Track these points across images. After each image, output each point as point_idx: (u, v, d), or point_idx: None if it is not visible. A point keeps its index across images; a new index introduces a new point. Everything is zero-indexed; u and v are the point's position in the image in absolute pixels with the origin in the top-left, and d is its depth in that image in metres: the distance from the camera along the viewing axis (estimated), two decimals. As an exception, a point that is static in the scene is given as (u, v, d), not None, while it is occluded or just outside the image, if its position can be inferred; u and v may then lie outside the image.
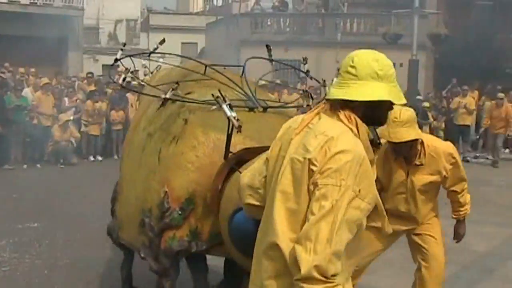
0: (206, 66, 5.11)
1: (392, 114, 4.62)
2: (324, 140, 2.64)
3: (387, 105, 2.80)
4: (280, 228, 2.67)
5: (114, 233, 5.11)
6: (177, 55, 5.99)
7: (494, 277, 7.07)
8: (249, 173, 3.10)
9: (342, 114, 2.73)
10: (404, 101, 2.78)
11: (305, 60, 5.57)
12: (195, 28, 37.13)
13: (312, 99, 5.17)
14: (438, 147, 4.89)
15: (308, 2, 29.61)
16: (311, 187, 2.62)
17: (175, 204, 4.15)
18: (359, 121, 2.74)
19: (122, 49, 5.21)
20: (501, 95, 16.88)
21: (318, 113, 2.81)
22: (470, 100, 17.91)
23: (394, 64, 2.84)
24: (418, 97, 18.68)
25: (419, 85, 21.30)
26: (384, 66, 2.76)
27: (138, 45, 38.54)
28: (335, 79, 2.96)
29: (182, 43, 36.69)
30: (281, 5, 29.91)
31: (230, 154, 4.01)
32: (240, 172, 3.48)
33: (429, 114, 17.17)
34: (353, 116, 2.73)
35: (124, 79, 5.14)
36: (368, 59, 2.76)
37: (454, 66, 21.47)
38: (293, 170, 2.70)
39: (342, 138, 2.64)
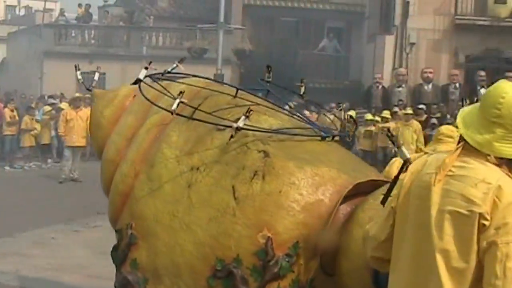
0: (237, 90, 4.57)
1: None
2: (488, 188, 2.39)
3: None
4: None
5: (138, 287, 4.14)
6: (209, 79, 4.95)
7: None
8: (377, 225, 2.78)
9: (492, 157, 2.50)
10: None
11: (301, 82, 5.15)
12: (-4, 38, 35.07)
13: (357, 125, 4.72)
14: None
15: (113, 14, 29.05)
16: (484, 244, 2.37)
17: (279, 251, 3.61)
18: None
19: (146, 68, 4.36)
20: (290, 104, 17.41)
21: (459, 155, 2.52)
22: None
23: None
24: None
25: (225, 100, 21.38)
26: None
27: None
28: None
29: (-18, 53, 34.67)
30: (85, 16, 29.15)
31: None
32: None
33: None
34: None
35: (178, 104, 3.99)
36: None
37: (259, 81, 21.73)
38: (455, 226, 2.42)
39: (509, 186, 2.41)
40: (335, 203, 3.63)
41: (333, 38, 26.23)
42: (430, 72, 20.41)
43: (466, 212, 2.40)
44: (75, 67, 5.23)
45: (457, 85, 19.92)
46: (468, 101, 14.37)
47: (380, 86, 20.51)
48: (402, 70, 21.10)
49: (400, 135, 15.11)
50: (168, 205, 4.02)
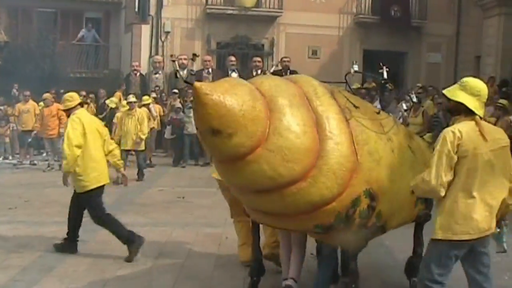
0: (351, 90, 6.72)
1: None
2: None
3: None
4: None
5: (378, 233, 6.04)
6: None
7: (53, 275, 7.26)
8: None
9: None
10: None
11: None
12: None
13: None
14: None
15: None
16: None
17: None
18: None
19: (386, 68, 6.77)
20: (47, 94, 17.32)
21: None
22: (33, 105, 18.25)
23: None
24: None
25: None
26: None
27: None
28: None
29: None
30: None
31: None
32: None
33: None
34: None
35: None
36: None
37: (17, 72, 21.52)
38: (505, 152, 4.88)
39: None
40: None
41: (92, 28, 26.37)
42: (185, 59, 21.53)
43: (504, 144, 4.90)
44: (171, 55, 5.25)
45: (210, 70, 21.19)
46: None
47: (138, 74, 21.27)
48: (158, 58, 22.01)
49: (123, 124, 14.99)
50: (391, 169, 5.74)
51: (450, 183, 4.79)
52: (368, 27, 24.17)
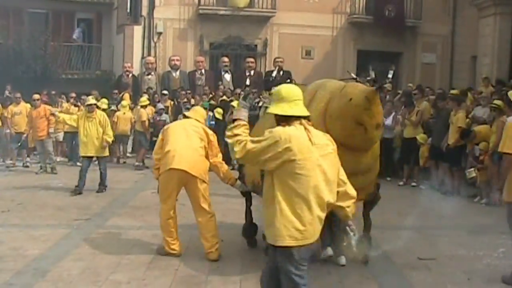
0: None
1: None
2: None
3: None
4: None
5: None
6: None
7: (47, 279, 7.17)
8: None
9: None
10: None
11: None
12: None
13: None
14: None
15: None
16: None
17: None
18: None
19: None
20: (36, 96, 16.83)
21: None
22: (25, 106, 18.02)
23: None
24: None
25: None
26: None
27: None
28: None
29: None
30: None
31: None
32: None
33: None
34: None
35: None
36: None
37: (9, 73, 21.36)
38: (332, 157, 4.85)
39: None
40: None
41: (84, 29, 26.19)
42: (177, 60, 21.50)
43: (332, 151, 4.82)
44: (371, 68, 6.19)
45: (203, 71, 21.21)
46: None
47: (130, 75, 21.21)
48: (151, 59, 21.96)
49: (84, 129, 13.24)
50: None
51: (284, 188, 4.65)
52: (362, 27, 24.01)
